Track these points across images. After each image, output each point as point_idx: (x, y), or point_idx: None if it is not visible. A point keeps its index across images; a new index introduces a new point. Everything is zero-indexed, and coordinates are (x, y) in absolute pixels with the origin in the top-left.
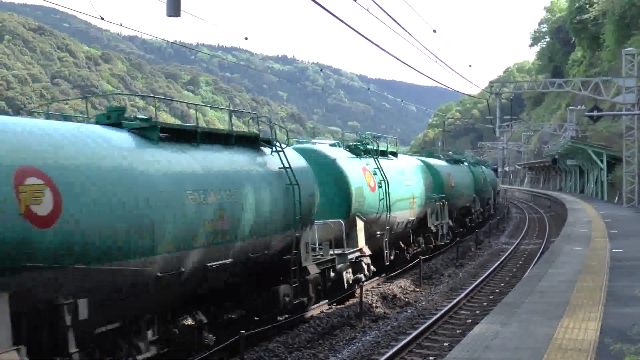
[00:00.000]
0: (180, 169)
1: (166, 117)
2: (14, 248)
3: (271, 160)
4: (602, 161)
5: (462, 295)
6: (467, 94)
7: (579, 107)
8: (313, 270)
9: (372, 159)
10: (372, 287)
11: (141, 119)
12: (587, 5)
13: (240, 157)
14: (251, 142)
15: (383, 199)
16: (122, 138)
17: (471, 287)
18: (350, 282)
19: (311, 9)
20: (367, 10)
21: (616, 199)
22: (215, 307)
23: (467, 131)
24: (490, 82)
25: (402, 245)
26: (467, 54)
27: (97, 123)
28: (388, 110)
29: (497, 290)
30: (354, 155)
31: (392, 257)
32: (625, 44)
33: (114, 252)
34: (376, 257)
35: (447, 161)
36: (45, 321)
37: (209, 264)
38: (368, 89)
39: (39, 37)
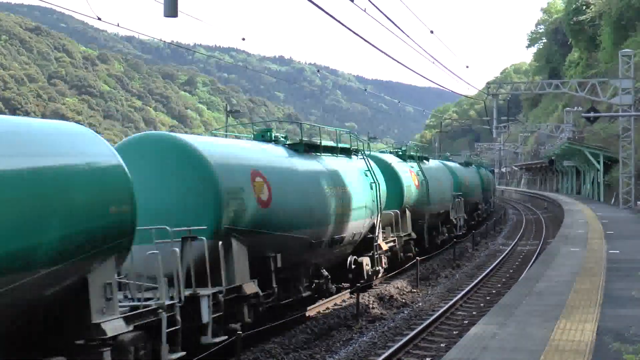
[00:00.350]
0: (318, 170)
1: (163, 117)
2: (252, 221)
3: (360, 164)
4: (598, 162)
5: (459, 296)
6: (464, 95)
7: (575, 108)
8: (384, 247)
9: (415, 163)
10: (382, 281)
11: (285, 137)
12: (584, 7)
13: (343, 162)
14: (347, 152)
15: (424, 194)
16: (284, 151)
17: (468, 288)
18: (404, 258)
19: (308, 9)
20: (364, 10)
21: (613, 200)
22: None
23: (464, 132)
24: (487, 83)
25: (434, 233)
26: (465, 55)
27: (254, 139)
28: (385, 111)
29: (494, 292)
30: (401, 160)
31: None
32: (622, 45)
33: (294, 225)
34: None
35: (460, 164)
36: (261, 266)
37: (335, 237)
38: (365, 89)
39: (36, 37)
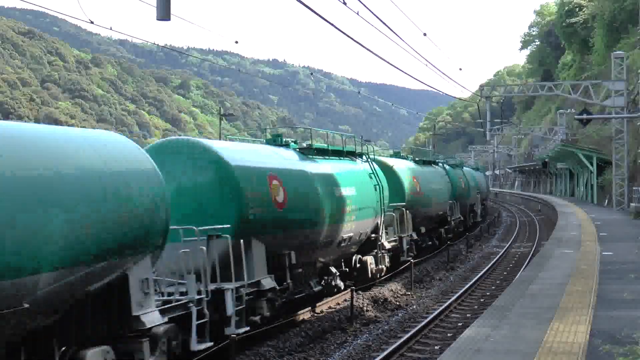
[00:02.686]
0: (328, 172)
1: (157, 121)
2: (270, 221)
3: (364, 167)
4: (592, 164)
5: (453, 298)
6: (457, 98)
7: (569, 110)
8: (387, 245)
9: (416, 166)
10: (377, 284)
11: (295, 142)
12: (577, 9)
13: (350, 165)
14: (352, 155)
15: (424, 196)
16: (295, 155)
17: (462, 291)
18: (406, 257)
19: (301, 12)
20: (357, 13)
21: (606, 202)
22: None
23: (458, 135)
24: (481, 86)
25: (432, 234)
26: (458, 58)
27: (267, 143)
28: (379, 113)
29: (488, 294)
30: (402, 162)
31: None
32: (615, 47)
33: (306, 224)
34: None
35: (452, 166)
36: (277, 263)
37: (344, 236)
38: (359, 92)
39: (29, 40)
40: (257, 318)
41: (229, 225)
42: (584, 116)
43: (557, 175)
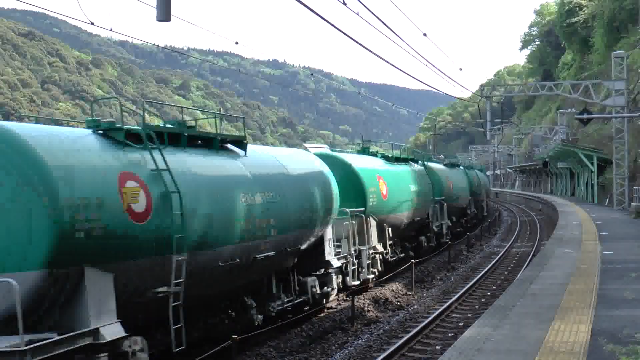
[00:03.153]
0: (405, 173)
1: (158, 122)
2: (378, 206)
3: (416, 168)
4: (592, 164)
5: (454, 298)
6: (458, 98)
7: (569, 110)
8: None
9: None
10: (377, 284)
11: (376, 152)
12: (577, 9)
13: (408, 168)
14: (406, 161)
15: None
16: (382, 160)
17: (463, 290)
18: (366, 275)
19: (302, 13)
20: (357, 14)
21: (607, 201)
22: None
23: (459, 135)
24: (481, 86)
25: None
26: (458, 58)
27: (357, 153)
28: (379, 114)
29: (488, 294)
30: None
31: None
32: (615, 47)
33: (397, 209)
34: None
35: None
36: (380, 233)
37: (415, 219)
38: (359, 93)
39: (29, 42)
40: (372, 275)
41: (363, 208)
42: (585, 116)
43: (557, 175)
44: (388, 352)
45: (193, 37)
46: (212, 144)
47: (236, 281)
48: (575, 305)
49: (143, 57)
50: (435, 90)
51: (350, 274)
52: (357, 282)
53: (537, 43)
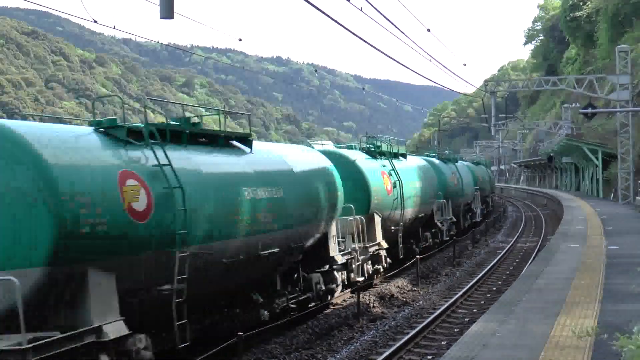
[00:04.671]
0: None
1: (161, 120)
2: (384, 204)
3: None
4: (597, 158)
5: (460, 293)
6: (462, 93)
7: (573, 104)
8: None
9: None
10: (383, 280)
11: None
12: (581, 3)
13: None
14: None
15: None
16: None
17: (468, 286)
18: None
19: (305, 10)
20: (361, 10)
21: (612, 196)
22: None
23: (463, 130)
24: (485, 81)
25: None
26: (462, 53)
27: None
28: (384, 110)
29: (494, 289)
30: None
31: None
32: (619, 41)
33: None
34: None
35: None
36: (388, 232)
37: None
38: (363, 89)
39: (33, 41)
40: (373, 267)
41: (367, 205)
42: (589, 110)
43: (562, 170)
44: (394, 347)
45: (197, 34)
46: (217, 141)
47: (241, 278)
48: (581, 299)
49: (147, 55)
50: (440, 86)
51: (355, 270)
52: (361, 278)
53: (541, 38)
